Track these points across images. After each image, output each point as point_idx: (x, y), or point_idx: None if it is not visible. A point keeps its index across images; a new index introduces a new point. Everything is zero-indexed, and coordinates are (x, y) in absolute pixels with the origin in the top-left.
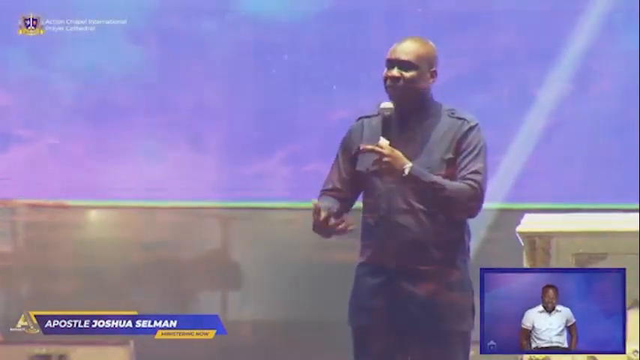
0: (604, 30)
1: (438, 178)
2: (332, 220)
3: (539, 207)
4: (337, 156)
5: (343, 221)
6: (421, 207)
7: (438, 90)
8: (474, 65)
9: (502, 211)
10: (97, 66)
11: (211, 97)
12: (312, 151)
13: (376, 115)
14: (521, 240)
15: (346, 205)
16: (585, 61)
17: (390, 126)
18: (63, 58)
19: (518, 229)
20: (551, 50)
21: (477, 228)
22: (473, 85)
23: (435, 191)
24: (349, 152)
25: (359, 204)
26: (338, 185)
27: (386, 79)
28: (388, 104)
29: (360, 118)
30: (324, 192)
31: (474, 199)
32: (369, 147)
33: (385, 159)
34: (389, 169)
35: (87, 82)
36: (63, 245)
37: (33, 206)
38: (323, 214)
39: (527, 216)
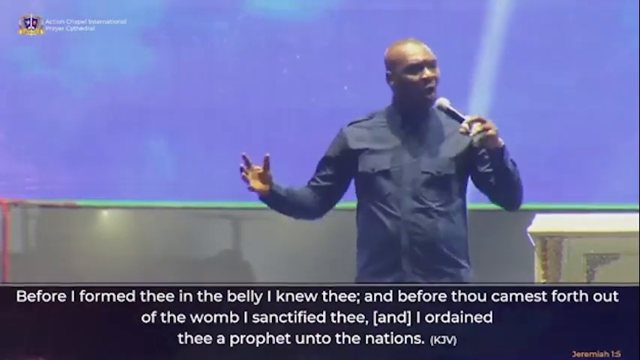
0: (609, 30)
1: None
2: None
3: (539, 207)
4: (327, 157)
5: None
6: (433, 205)
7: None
8: (483, 65)
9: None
10: (109, 66)
11: (222, 97)
12: (323, 151)
13: (366, 120)
14: (532, 240)
15: (322, 192)
16: (589, 61)
17: (456, 112)
18: (74, 59)
19: (530, 229)
20: (558, 50)
21: (488, 228)
22: (481, 85)
23: (513, 175)
24: (343, 153)
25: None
26: (328, 172)
27: (420, 82)
28: (444, 99)
29: (350, 123)
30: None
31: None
32: (476, 117)
33: (491, 131)
34: (494, 138)
35: (98, 82)
36: (75, 245)
37: (44, 206)
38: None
39: (538, 216)
